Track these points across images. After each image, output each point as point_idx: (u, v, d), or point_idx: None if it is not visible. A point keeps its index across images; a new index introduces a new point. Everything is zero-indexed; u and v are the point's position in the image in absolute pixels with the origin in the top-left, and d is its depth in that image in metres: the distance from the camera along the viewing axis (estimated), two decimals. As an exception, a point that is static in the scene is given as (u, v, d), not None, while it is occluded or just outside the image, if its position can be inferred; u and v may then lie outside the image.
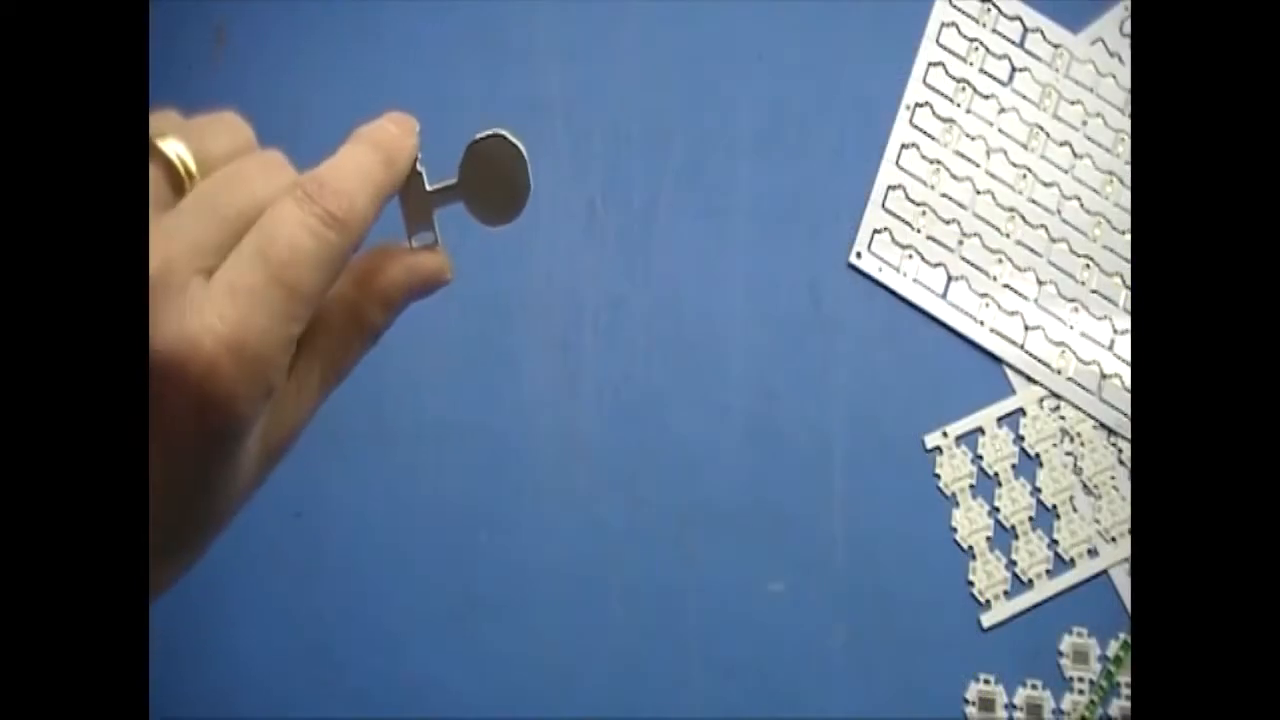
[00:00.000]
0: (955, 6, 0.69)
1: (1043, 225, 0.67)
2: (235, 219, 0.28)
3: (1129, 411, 0.64)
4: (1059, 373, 0.65)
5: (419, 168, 0.32)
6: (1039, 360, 0.65)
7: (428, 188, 0.32)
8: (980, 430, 0.64)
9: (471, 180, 0.33)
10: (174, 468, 0.27)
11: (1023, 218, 0.67)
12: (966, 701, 0.61)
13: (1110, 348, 0.65)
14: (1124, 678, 0.61)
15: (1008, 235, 0.66)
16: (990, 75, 0.68)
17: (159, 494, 0.27)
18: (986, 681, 0.61)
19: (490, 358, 0.64)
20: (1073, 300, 0.66)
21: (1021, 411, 0.65)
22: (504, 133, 0.33)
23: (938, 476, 0.63)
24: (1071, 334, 0.65)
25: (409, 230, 0.33)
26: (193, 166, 0.28)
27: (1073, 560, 0.63)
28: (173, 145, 0.28)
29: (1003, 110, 0.68)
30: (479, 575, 0.62)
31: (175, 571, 0.29)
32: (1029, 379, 0.65)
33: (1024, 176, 0.67)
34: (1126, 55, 0.69)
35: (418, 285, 0.32)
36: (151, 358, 0.26)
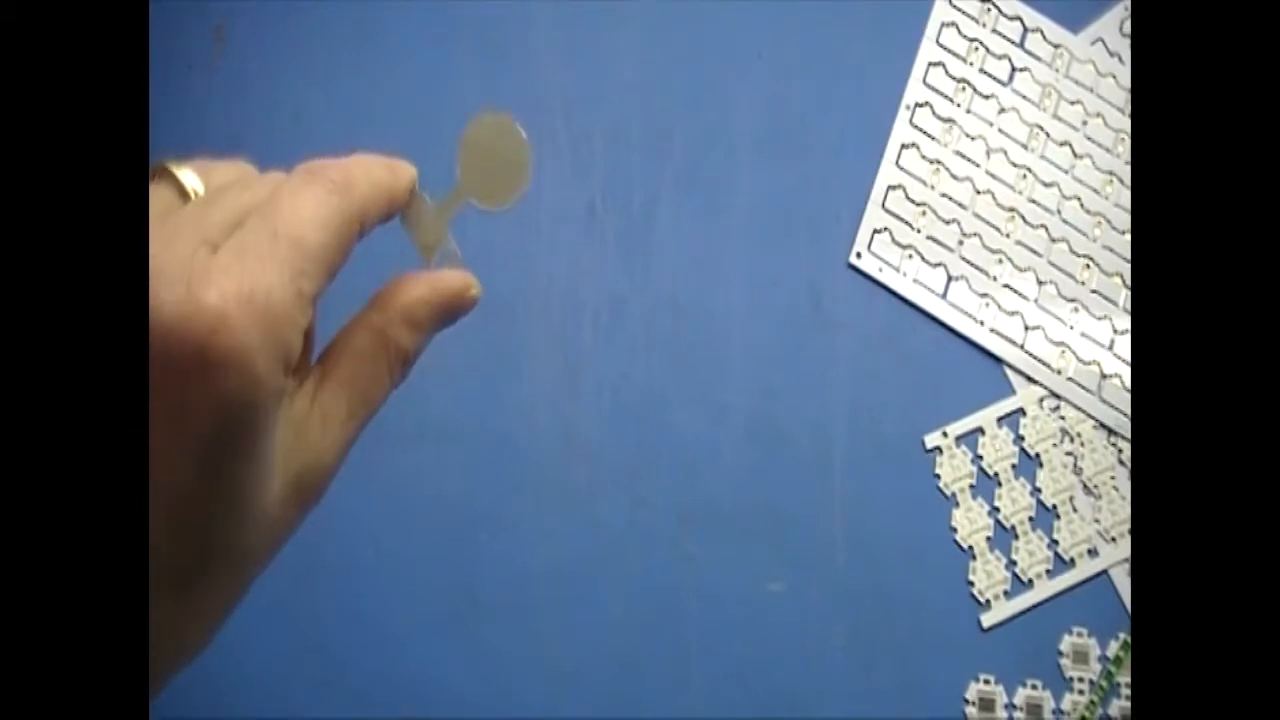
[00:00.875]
0: (955, 6, 0.69)
1: (1043, 225, 0.67)
2: (239, 208, 0.27)
3: (1129, 411, 0.64)
4: (1059, 373, 0.65)
5: (420, 192, 0.32)
6: (1039, 360, 0.65)
7: (430, 204, 0.32)
8: (980, 430, 0.64)
9: (473, 170, 0.33)
10: (188, 469, 0.25)
11: (1023, 218, 0.67)
12: (966, 701, 0.61)
13: (1110, 348, 0.65)
14: (1124, 678, 0.61)
15: (1008, 235, 0.66)
16: (990, 75, 0.68)
17: (172, 513, 0.25)
18: (986, 681, 0.61)
19: (490, 357, 0.64)
20: (1073, 300, 0.66)
21: (1021, 411, 0.65)
22: (485, 112, 0.33)
23: (938, 476, 0.63)
24: (1071, 334, 0.65)
25: (426, 256, 0.32)
26: (203, 193, 0.29)
27: (1073, 560, 0.63)
28: (187, 175, 0.29)
29: (1003, 110, 0.68)
30: (478, 574, 0.62)
31: (198, 625, 0.27)
32: (1029, 379, 0.65)
33: (1024, 176, 0.67)
34: (1126, 55, 0.69)
35: (442, 301, 0.31)
36: (154, 333, 0.24)
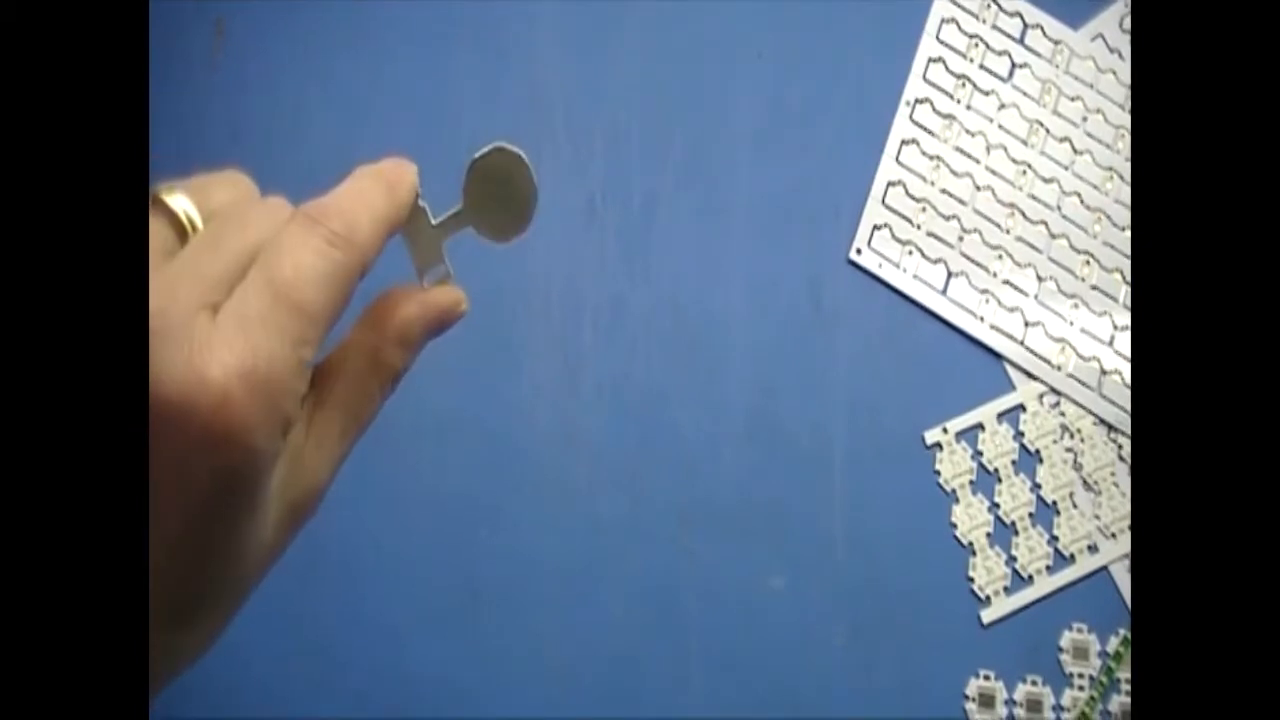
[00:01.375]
0: (955, 2, 0.69)
1: (1043, 221, 0.66)
2: (239, 253, 0.27)
3: (1129, 407, 0.64)
4: (1059, 369, 0.65)
5: (421, 203, 0.31)
6: (1039, 356, 0.65)
7: (433, 221, 0.32)
8: (980, 426, 0.64)
9: (477, 200, 0.32)
10: (187, 521, 0.25)
11: (1023, 213, 0.67)
12: (967, 697, 0.61)
13: (1110, 344, 0.65)
14: (1124, 674, 0.61)
15: (1008, 231, 0.66)
16: (990, 71, 0.68)
17: (171, 554, 0.26)
18: (987, 677, 0.61)
19: (490, 354, 0.64)
20: (1073, 296, 0.66)
21: (1021, 407, 0.65)
22: (504, 145, 0.32)
23: (938, 472, 0.63)
24: (1071, 330, 0.65)
25: (420, 270, 0.32)
26: (198, 221, 0.28)
27: (1073, 556, 0.63)
28: (179, 200, 0.28)
29: (1003, 106, 0.68)
30: (479, 572, 0.62)
31: (196, 645, 0.28)
32: (1029, 375, 0.65)
33: (1024, 172, 0.67)
34: (1126, 51, 0.69)
35: (433, 320, 0.31)
36: (156, 400, 0.24)
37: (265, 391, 0.25)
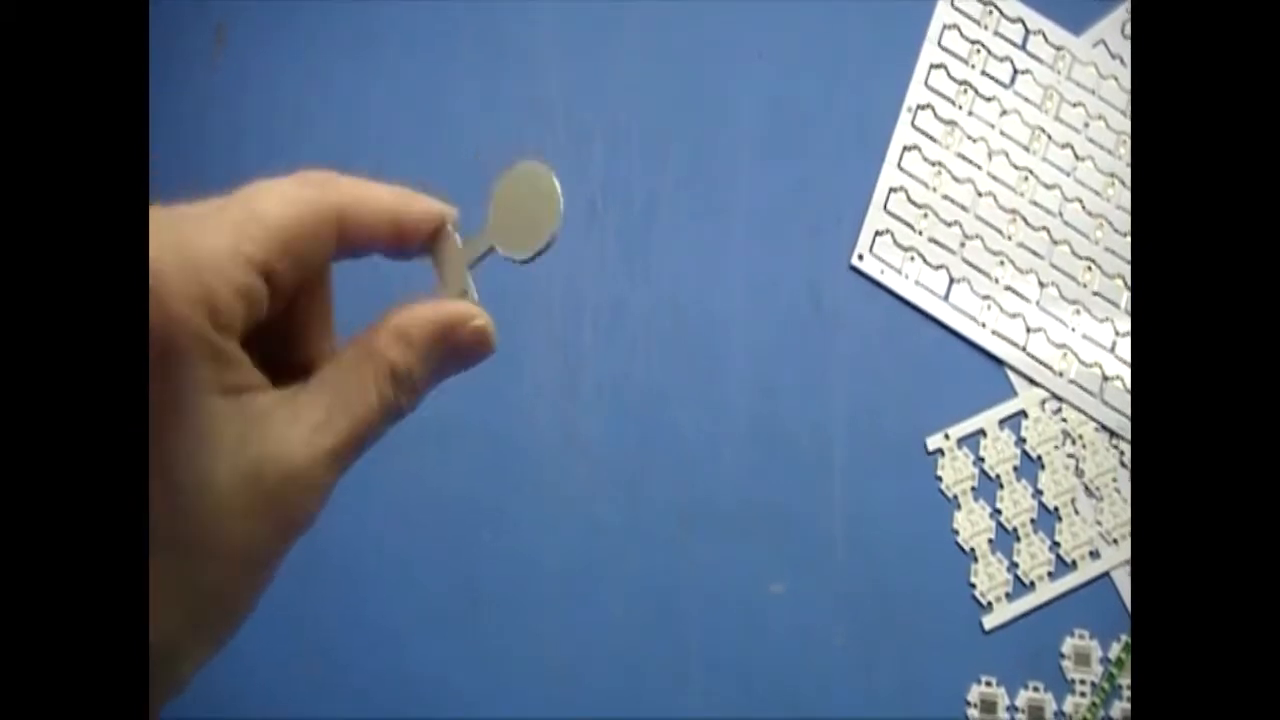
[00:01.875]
0: (957, 9, 0.69)
1: (1044, 227, 0.66)
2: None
3: (1130, 414, 0.64)
4: (1060, 375, 0.65)
5: (450, 227, 0.31)
6: (1040, 362, 0.65)
7: (459, 244, 0.31)
8: (982, 432, 0.64)
9: (500, 217, 0.32)
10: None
11: (1024, 220, 0.66)
12: (968, 703, 0.61)
13: (1112, 350, 0.65)
14: (1126, 680, 0.61)
15: (1009, 237, 0.66)
16: (992, 77, 0.68)
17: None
18: (988, 683, 0.61)
19: (491, 357, 0.64)
20: (1074, 302, 0.66)
21: (1023, 414, 0.64)
22: (531, 161, 0.32)
23: (939, 478, 0.63)
24: (1073, 336, 0.65)
25: (445, 296, 0.32)
26: None
27: (1074, 562, 0.63)
28: None
29: (1004, 112, 0.68)
30: (480, 574, 0.62)
31: (196, 649, 0.27)
32: (1031, 381, 0.65)
33: (1026, 179, 0.67)
34: (1128, 57, 0.69)
35: (441, 320, 0.30)
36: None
37: (191, 262, 0.26)
